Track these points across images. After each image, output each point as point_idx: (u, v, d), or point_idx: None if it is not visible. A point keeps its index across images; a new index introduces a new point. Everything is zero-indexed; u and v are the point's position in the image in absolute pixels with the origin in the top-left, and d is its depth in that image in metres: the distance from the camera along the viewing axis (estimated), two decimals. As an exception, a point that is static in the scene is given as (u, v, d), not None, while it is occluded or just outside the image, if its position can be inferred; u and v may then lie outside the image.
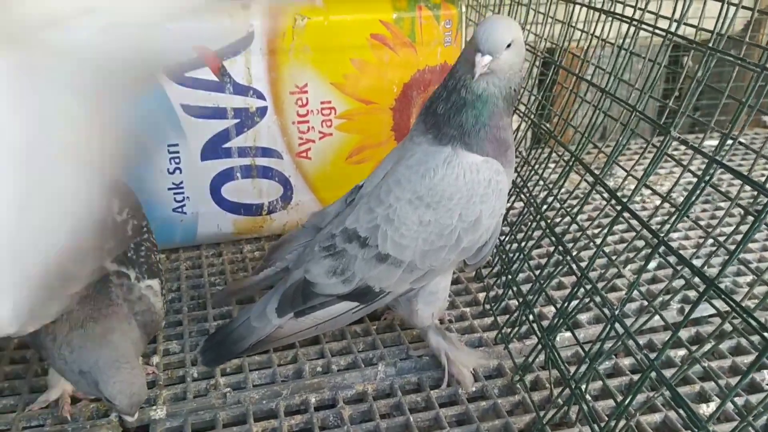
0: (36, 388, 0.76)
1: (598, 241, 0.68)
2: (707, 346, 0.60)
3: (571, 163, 0.77)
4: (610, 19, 0.78)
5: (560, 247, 0.73)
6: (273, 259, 0.83)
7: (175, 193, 0.99)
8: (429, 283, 0.74)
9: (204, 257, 1.04)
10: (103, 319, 0.66)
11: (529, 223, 0.87)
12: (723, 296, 0.49)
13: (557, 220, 0.79)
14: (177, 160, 0.97)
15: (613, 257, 0.70)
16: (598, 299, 0.67)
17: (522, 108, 1.00)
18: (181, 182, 0.99)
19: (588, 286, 0.66)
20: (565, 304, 0.70)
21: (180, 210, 1.01)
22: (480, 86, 0.66)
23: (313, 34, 0.96)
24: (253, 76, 0.96)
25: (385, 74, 1.01)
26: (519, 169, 0.97)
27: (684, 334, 0.83)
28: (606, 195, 0.68)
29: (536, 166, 0.91)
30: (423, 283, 0.73)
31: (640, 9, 0.71)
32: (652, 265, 0.95)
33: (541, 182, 0.90)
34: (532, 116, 0.92)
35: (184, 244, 1.06)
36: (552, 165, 0.90)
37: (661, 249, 0.57)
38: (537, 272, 0.80)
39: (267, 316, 0.74)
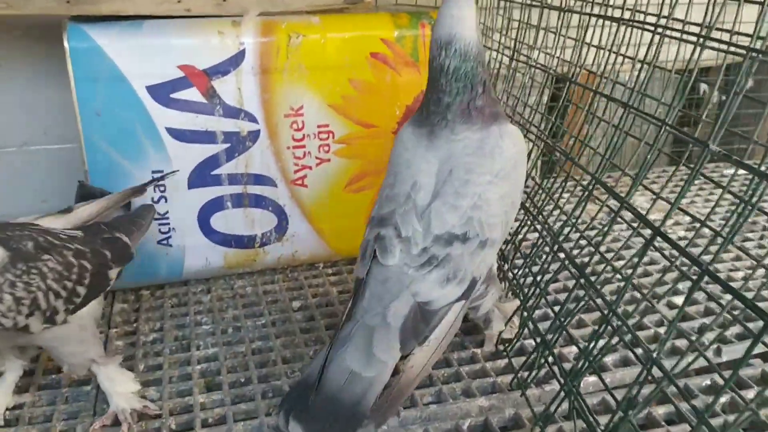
0: None
1: (625, 272, 0.59)
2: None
3: (591, 187, 0.70)
4: (629, 30, 0.71)
5: (582, 280, 0.65)
6: None
7: (159, 224, 0.92)
8: None
9: (191, 294, 0.96)
10: None
11: (545, 256, 0.78)
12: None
13: (576, 252, 0.71)
14: (162, 188, 0.90)
15: (644, 291, 0.62)
16: (628, 338, 0.58)
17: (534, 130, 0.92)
18: (167, 212, 0.91)
19: (616, 323, 0.58)
20: (591, 344, 0.62)
21: (165, 242, 0.93)
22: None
23: (309, 52, 0.89)
24: (245, 97, 0.89)
25: (387, 95, 0.94)
26: (532, 197, 0.89)
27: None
28: (632, 222, 0.60)
29: (552, 194, 0.83)
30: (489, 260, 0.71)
31: (664, 17, 0.65)
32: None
33: (556, 211, 0.81)
34: (546, 138, 0.85)
35: (170, 279, 0.98)
36: (567, 194, 0.83)
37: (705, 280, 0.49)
38: (555, 308, 0.71)
39: (378, 357, 0.61)
